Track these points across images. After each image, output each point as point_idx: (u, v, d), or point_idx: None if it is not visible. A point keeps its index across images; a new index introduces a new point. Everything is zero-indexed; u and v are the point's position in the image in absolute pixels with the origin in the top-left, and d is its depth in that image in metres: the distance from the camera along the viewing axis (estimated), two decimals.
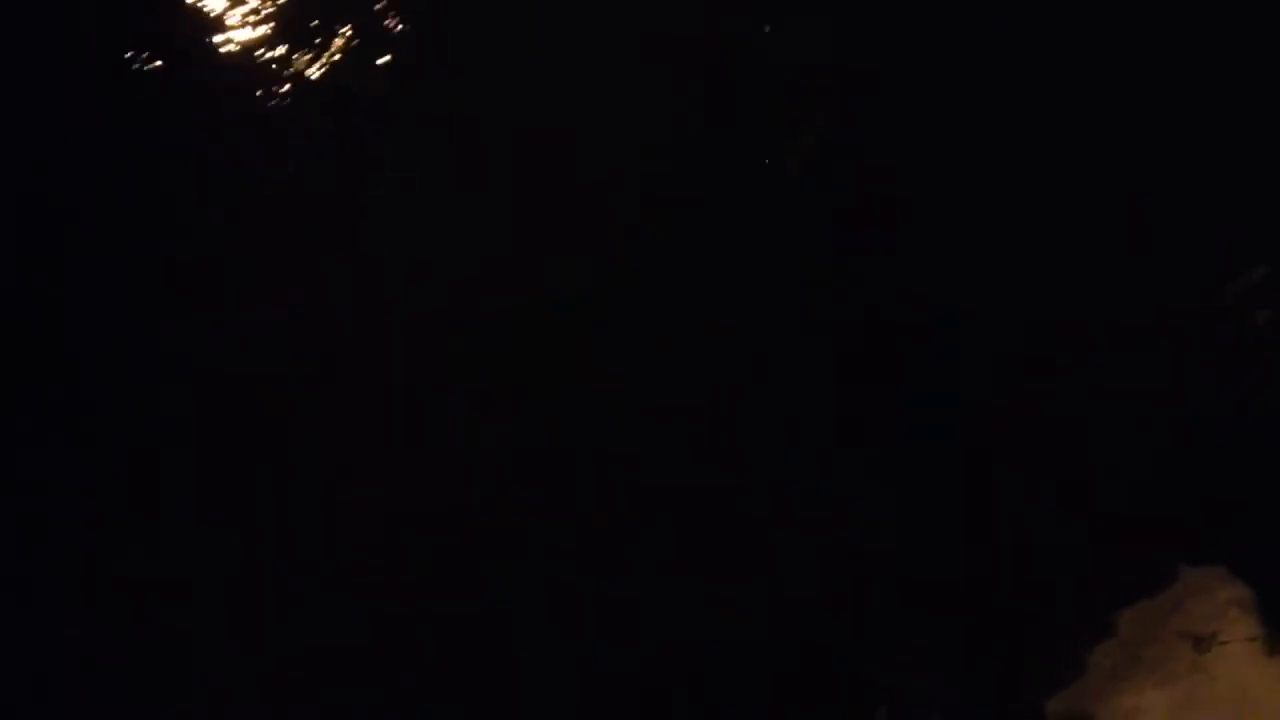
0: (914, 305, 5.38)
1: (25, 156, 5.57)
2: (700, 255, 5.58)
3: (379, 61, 5.98)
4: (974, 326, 5.30)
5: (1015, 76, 5.49)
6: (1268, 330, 4.95)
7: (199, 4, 6.01)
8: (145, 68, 5.72)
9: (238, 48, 5.95)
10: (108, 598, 5.17)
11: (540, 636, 5.07)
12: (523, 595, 5.12)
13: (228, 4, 6.00)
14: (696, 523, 5.17)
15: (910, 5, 5.73)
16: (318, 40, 5.95)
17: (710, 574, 5.08)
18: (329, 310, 5.58)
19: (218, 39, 5.96)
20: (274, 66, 5.92)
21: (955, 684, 4.74)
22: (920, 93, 5.63)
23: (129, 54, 5.72)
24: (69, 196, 5.61)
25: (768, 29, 5.80)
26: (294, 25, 5.99)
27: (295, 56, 5.90)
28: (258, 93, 5.87)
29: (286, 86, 5.86)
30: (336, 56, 5.94)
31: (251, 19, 5.98)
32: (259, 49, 5.96)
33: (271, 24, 6.01)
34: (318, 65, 5.92)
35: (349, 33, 5.99)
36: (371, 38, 6.00)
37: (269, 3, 6.01)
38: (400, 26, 5.97)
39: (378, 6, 6.03)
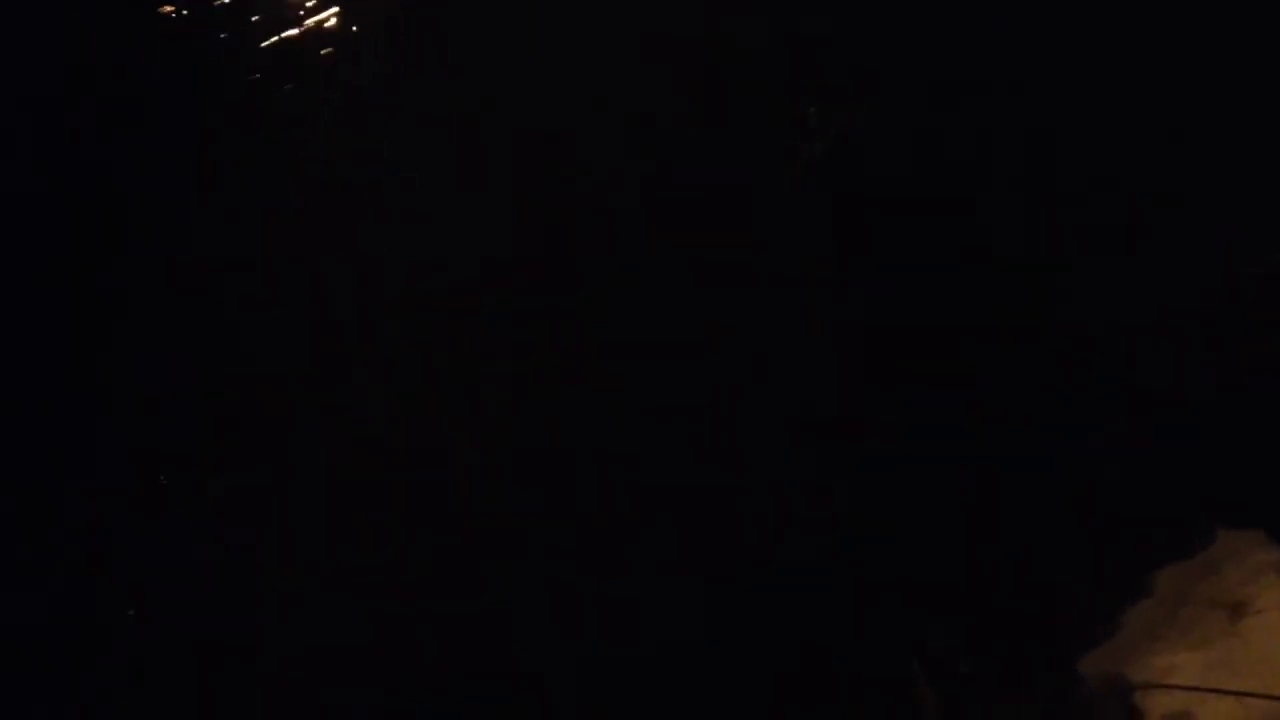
0: (919, 302, 5.42)
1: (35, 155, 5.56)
2: (702, 254, 5.59)
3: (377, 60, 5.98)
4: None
5: (1021, 73, 5.51)
6: None
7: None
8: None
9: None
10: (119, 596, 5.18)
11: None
12: (531, 586, 5.13)
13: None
14: (719, 481, 5.20)
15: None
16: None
17: (734, 530, 5.11)
18: (329, 306, 5.58)
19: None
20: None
21: (987, 642, 4.72)
22: (927, 90, 5.65)
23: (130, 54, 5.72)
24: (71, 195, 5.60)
25: (774, 28, 5.80)
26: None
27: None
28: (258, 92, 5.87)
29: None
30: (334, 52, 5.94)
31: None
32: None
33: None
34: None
35: (348, 30, 5.99)
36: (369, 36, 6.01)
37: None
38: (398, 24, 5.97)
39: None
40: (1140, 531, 4.72)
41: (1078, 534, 4.83)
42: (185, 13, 5.76)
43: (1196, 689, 4.26)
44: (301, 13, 5.95)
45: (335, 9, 5.98)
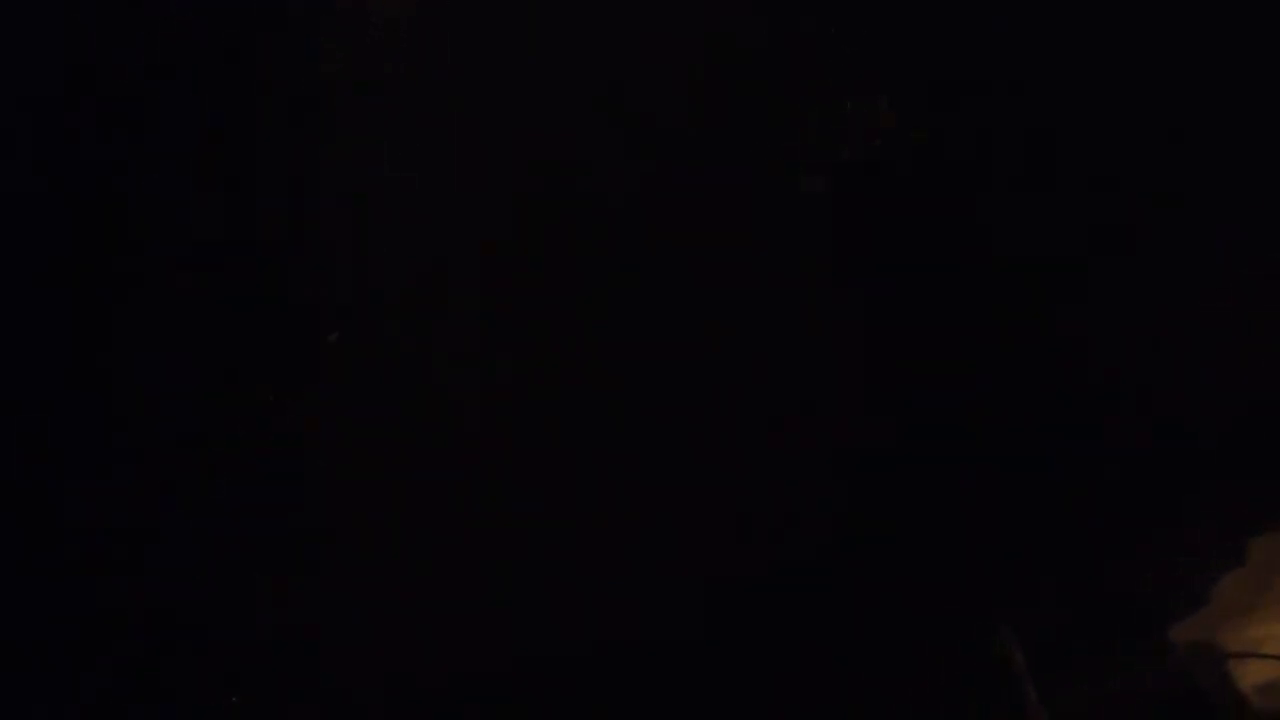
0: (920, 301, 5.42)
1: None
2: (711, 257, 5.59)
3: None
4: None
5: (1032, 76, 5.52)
6: None
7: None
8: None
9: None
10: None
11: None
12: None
13: None
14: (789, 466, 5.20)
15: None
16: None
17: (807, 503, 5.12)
18: (334, 306, 5.58)
19: None
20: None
21: (1076, 611, 4.69)
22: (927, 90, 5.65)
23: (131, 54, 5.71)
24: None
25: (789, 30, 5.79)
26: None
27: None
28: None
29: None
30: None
31: None
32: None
33: None
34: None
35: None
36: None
37: None
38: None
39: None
40: (1233, 499, 4.66)
41: (1169, 501, 4.77)
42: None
43: None
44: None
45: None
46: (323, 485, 5.37)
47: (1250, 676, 4.15)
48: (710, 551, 5.19)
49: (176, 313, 5.65)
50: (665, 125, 5.74)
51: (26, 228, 5.48)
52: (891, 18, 5.67)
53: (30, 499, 5.29)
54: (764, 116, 5.73)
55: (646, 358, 5.49)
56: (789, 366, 5.44)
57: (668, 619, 5.15)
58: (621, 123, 5.77)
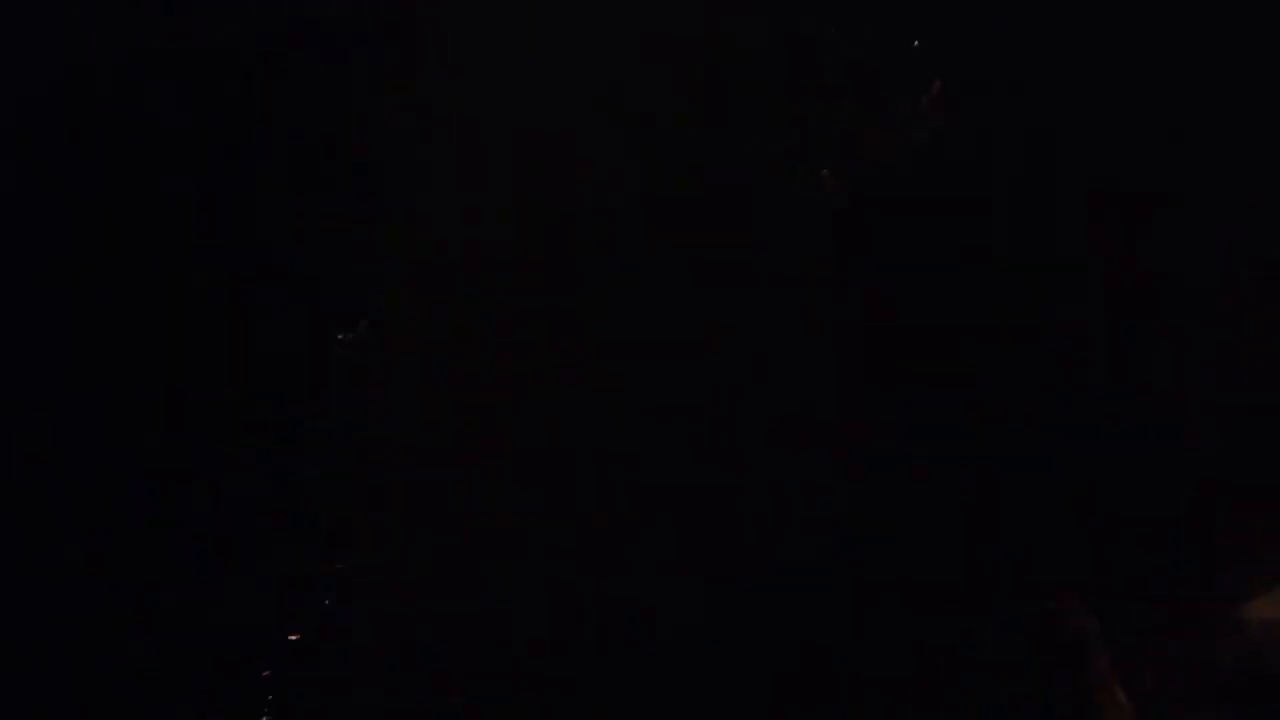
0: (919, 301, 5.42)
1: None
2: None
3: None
4: None
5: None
6: None
7: None
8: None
9: None
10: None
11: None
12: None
13: None
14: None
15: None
16: None
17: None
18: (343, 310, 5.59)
19: None
20: None
21: (1149, 585, 4.67)
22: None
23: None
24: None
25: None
26: None
27: None
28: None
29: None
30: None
31: None
32: None
33: None
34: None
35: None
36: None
37: None
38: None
39: None
40: None
41: (1240, 472, 4.76)
42: None
43: None
44: None
45: None
46: (328, 483, 5.39)
47: None
48: (710, 551, 5.19)
49: (186, 316, 5.65)
50: (665, 125, 5.76)
51: (36, 226, 5.49)
52: (891, 18, 5.69)
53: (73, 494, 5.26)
54: (764, 117, 5.74)
55: (646, 358, 5.49)
56: (789, 366, 5.44)
57: (668, 619, 5.15)
58: (622, 123, 5.79)
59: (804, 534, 5.16)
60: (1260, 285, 5.07)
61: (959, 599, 4.94)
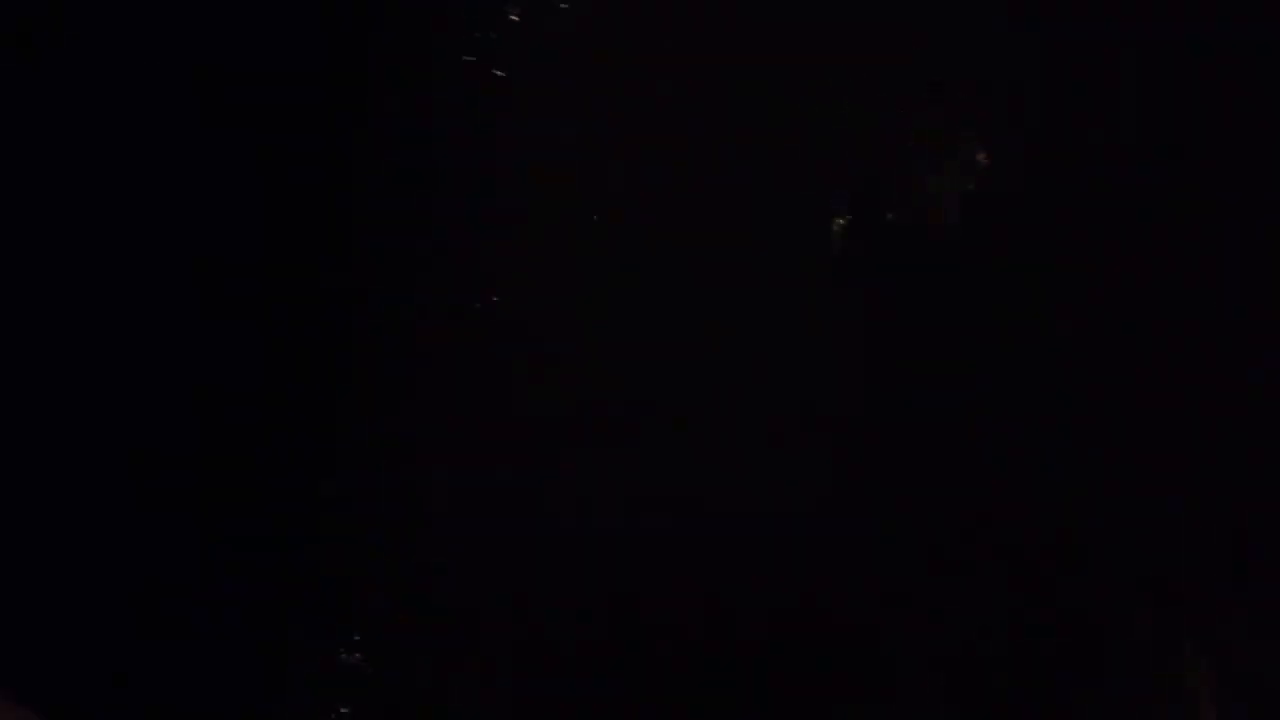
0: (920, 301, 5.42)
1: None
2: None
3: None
4: None
5: None
6: None
7: None
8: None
9: None
10: None
11: None
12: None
13: None
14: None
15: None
16: None
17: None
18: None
19: None
20: None
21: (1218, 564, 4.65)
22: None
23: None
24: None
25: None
26: None
27: None
28: None
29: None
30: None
31: None
32: None
33: None
34: None
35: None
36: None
37: None
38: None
39: None
40: None
41: None
42: None
43: None
44: None
45: None
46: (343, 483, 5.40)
47: None
48: (710, 551, 5.19)
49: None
50: (665, 126, 5.76)
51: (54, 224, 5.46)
52: (891, 18, 5.69)
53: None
54: (764, 117, 5.74)
55: (647, 357, 5.50)
56: (789, 366, 5.44)
57: (668, 619, 5.15)
58: (622, 123, 5.79)
59: (804, 534, 5.16)
60: None
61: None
